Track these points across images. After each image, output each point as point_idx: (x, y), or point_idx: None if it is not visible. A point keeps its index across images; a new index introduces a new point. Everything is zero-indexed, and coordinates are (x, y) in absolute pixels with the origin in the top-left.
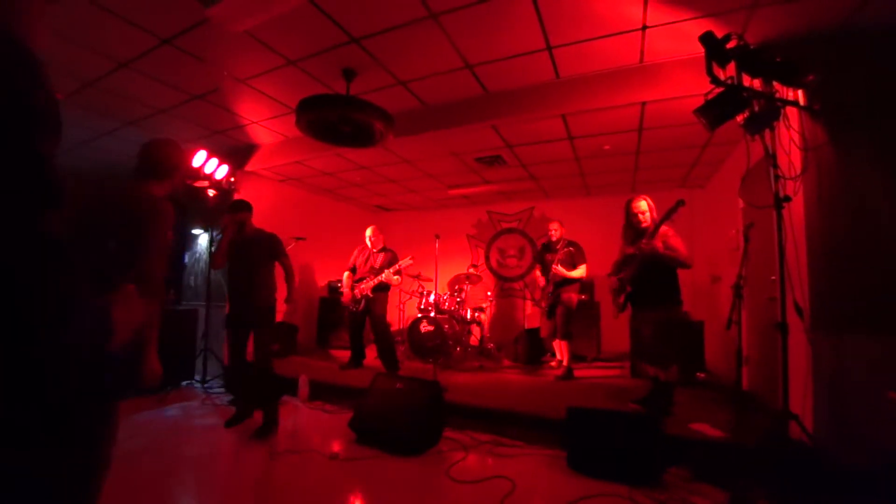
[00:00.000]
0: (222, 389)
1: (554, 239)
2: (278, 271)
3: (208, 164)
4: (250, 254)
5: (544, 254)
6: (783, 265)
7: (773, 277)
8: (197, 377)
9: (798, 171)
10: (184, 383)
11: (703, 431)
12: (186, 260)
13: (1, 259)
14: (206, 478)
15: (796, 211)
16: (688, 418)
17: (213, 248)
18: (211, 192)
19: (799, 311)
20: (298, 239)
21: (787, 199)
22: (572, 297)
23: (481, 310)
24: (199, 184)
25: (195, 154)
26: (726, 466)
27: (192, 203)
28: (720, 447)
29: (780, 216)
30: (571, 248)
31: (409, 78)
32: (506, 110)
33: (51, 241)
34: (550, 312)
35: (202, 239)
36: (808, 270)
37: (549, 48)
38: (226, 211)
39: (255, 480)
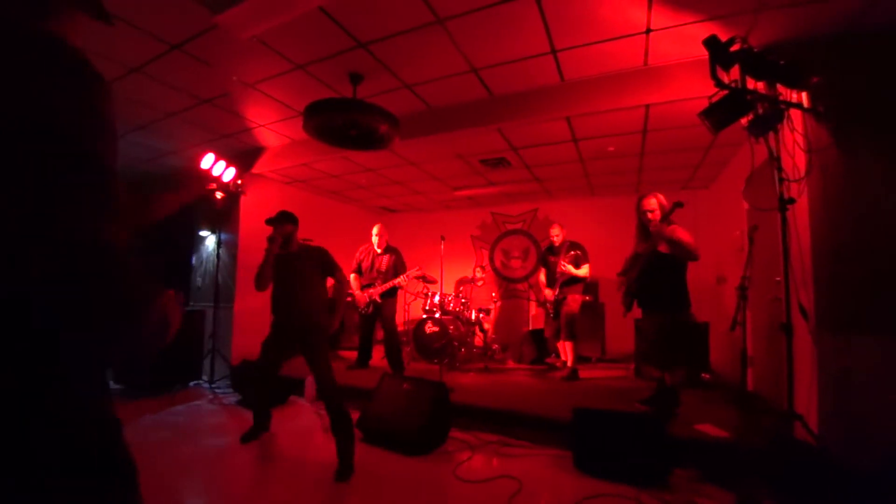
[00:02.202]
0: (230, 389)
1: (557, 244)
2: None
3: (216, 167)
4: (301, 269)
5: (548, 256)
6: (787, 266)
7: (778, 278)
8: (204, 377)
9: (802, 174)
10: (191, 383)
11: (709, 432)
12: (194, 262)
13: (79, 267)
14: (213, 477)
15: (800, 213)
16: (693, 419)
17: (261, 265)
18: (219, 195)
19: (803, 312)
20: (305, 241)
21: (792, 200)
22: (576, 298)
23: (486, 311)
24: (207, 186)
25: (203, 157)
26: (732, 467)
27: (200, 205)
28: (725, 448)
29: (784, 218)
30: (578, 252)
31: (416, 81)
32: (511, 113)
33: (119, 249)
34: (556, 314)
35: (209, 241)
36: (812, 271)
37: (554, 51)
38: (269, 222)
39: (262, 479)
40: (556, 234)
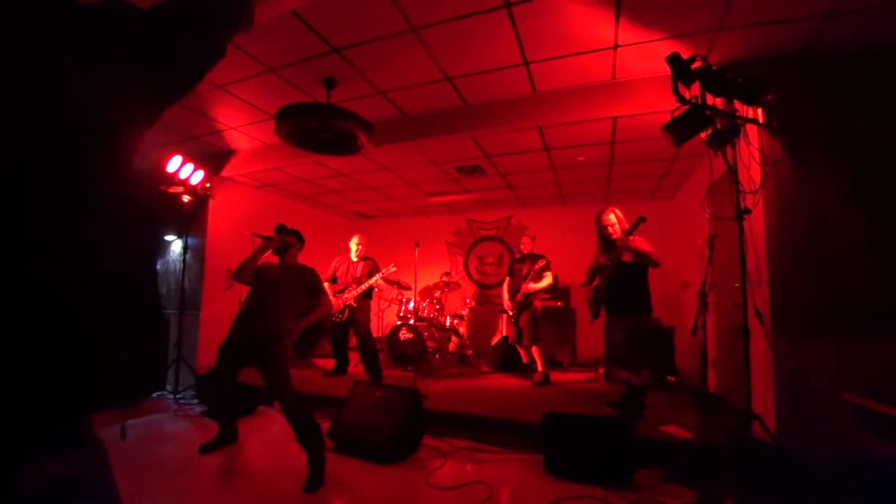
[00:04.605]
0: (195, 400)
1: (525, 251)
2: None
3: (183, 170)
4: (286, 286)
5: (514, 264)
6: (745, 273)
7: (737, 285)
8: (168, 387)
9: (757, 185)
10: (154, 394)
11: (673, 433)
12: (159, 267)
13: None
14: (176, 492)
15: (756, 222)
16: (659, 420)
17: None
18: (185, 198)
19: (759, 316)
20: (266, 238)
21: (748, 210)
22: (536, 304)
23: (460, 317)
24: (173, 189)
25: (170, 159)
26: (696, 467)
27: (166, 209)
28: (689, 448)
29: (741, 227)
30: (542, 262)
31: (390, 88)
32: (484, 121)
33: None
34: (517, 319)
35: (175, 245)
36: (767, 278)
37: (527, 63)
38: (276, 228)
39: (228, 492)
40: (526, 244)
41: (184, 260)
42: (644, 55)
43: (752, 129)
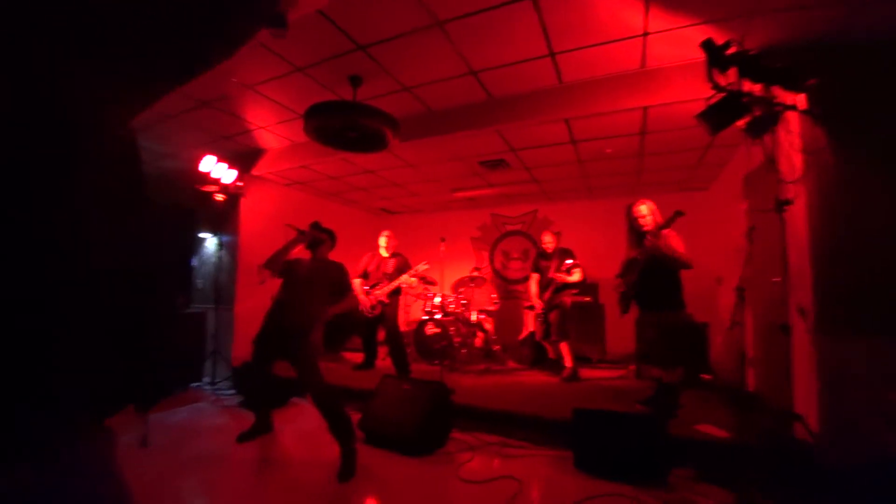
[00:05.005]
0: (231, 391)
1: (549, 251)
2: None
3: (216, 169)
4: (313, 282)
5: (540, 261)
6: (786, 267)
7: (777, 279)
8: (206, 379)
9: (799, 174)
10: (193, 385)
11: (708, 432)
12: (195, 263)
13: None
14: (214, 478)
15: (798, 213)
16: (693, 419)
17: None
18: (219, 197)
19: (802, 312)
20: (299, 232)
21: (788, 202)
22: (566, 299)
23: (487, 312)
24: (207, 188)
25: (203, 159)
26: (731, 467)
27: (201, 207)
28: (725, 448)
29: (782, 219)
30: (575, 260)
31: (415, 84)
32: (510, 115)
33: None
34: (545, 318)
35: (210, 242)
36: (811, 272)
37: (553, 54)
38: (311, 225)
39: (264, 479)
40: (549, 242)
41: (218, 256)
42: (675, 42)
43: (792, 116)
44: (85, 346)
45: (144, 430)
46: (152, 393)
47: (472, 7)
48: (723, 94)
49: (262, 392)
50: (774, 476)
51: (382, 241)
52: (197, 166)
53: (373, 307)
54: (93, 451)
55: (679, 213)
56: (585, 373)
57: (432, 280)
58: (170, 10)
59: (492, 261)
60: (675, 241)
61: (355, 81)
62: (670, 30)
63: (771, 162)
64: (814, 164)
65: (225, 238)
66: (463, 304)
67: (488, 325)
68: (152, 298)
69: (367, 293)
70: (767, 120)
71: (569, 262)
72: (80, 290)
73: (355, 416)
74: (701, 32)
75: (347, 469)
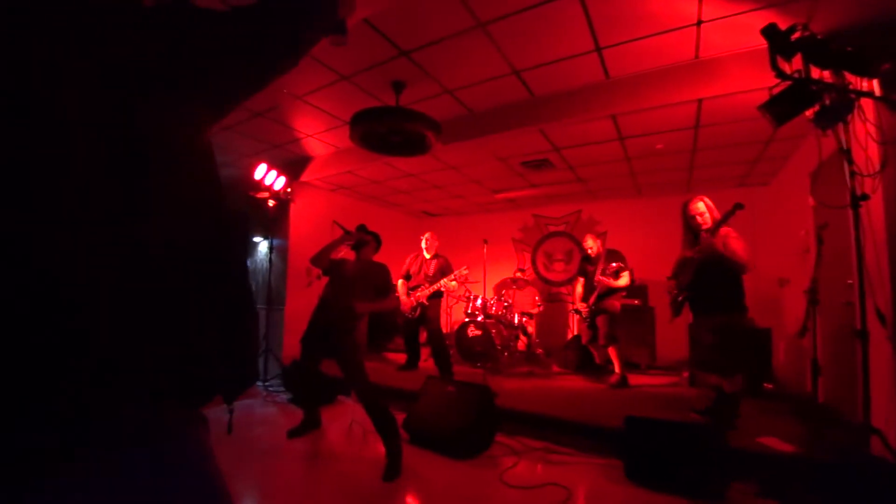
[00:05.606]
0: (282, 388)
1: (593, 255)
2: None
3: (268, 176)
4: (357, 282)
5: (585, 265)
6: (861, 268)
7: (850, 281)
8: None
9: (876, 168)
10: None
11: (772, 445)
12: (248, 266)
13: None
14: (263, 472)
15: (875, 209)
16: (755, 431)
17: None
18: (271, 203)
19: (881, 316)
20: (346, 231)
21: (865, 197)
22: (615, 303)
23: (529, 315)
24: (260, 195)
25: (256, 167)
26: (797, 483)
27: (254, 213)
28: (791, 462)
29: (857, 216)
30: (620, 264)
31: (457, 86)
32: (553, 114)
33: None
34: (592, 323)
35: (262, 246)
36: (889, 273)
37: (599, 49)
38: (358, 227)
39: (318, 473)
40: (591, 246)
41: (269, 259)
42: (731, 30)
43: (867, 104)
44: (197, 338)
45: (230, 418)
46: (239, 383)
47: (516, 6)
48: (788, 83)
49: (310, 390)
50: (849, 494)
51: (423, 242)
52: (251, 174)
53: (413, 309)
54: (195, 436)
55: (739, 206)
56: (634, 379)
57: (474, 281)
58: (249, 34)
59: (534, 263)
60: (734, 242)
61: (398, 87)
62: (726, 17)
63: (844, 154)
64: (892, 155)
65: (276, 242)
66: (505, 307)
67: (531, 328)
68: (248, 294)
69: (409, 294)
70: (840, 108)
71: (614, 265)
72: (193, 285)
73: (400, 417)
74: (760, 18)
75: (393, 468)
